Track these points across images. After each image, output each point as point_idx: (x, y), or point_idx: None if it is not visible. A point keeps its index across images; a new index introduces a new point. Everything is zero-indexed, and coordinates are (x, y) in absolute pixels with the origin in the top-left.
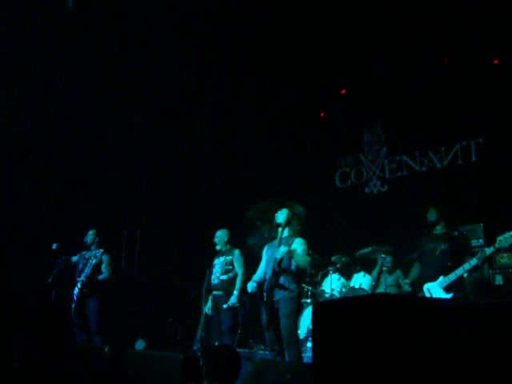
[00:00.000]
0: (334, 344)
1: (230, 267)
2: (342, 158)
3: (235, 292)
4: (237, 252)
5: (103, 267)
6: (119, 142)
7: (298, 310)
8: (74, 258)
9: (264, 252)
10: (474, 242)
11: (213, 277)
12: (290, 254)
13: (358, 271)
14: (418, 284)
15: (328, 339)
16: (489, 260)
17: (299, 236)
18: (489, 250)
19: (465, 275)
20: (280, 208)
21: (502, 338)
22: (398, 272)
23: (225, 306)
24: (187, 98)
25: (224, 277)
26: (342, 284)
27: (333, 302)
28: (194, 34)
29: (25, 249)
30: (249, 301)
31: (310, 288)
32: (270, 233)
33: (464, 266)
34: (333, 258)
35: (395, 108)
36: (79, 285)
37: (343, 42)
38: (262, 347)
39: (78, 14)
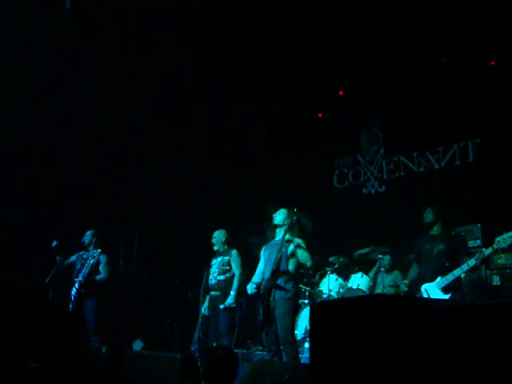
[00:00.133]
0: (332, 344)
1: (228, 267)
2: (339, 158)
3: (232, 292)
4: (234, 252)
5: (101, 267)
6: (119, 142)
7: (295, 311)
8: (72, 258)
9: (262, 252)
10: (472, 243)
11: (210, 277)
12: (294, 247)
13: (356, 272)
14: (415, 284)
15: (325, 340)
16: (487, 261)
17: (297, 237)
18: (487, 251)
19: (462, 276)
20: (278, 209)
21: (500, 339)
22: (396, 272)
23: (221, 306)
24: (187, 98)
25: (221, 277)
26: (340, 284)
27: (330, 303)
28: (193, 33)
29: (24, 249)
30: (245, 301)
31: (308, 288)
32: (270, 234)
33: (462, 266)
34: (330, 259)
35: (393, 109)
36: (77, 285)
37: (341, 43)
38: (260, 348)
39: (78, 13)
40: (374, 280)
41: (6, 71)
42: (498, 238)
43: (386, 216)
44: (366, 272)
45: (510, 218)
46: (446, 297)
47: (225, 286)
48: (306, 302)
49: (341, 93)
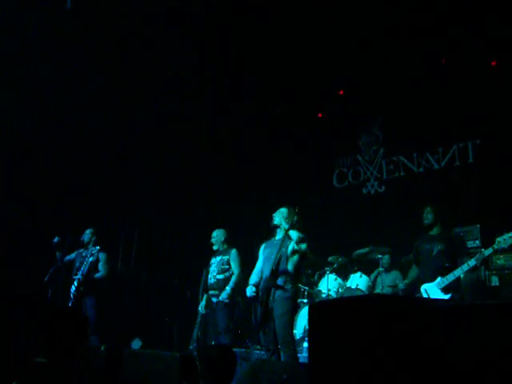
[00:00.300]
0: (330, 344)
1: (227, 267)
2: (339, 158)
3: (227, 288)
4: (233, 252)
5: (100, 265)
6: (119, 141)
7: (294, 310)
8: (71, 256)
9: (261, 251)
10: (471, 243)
11: (209, 276)
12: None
13: (355, 271)
14: (415, 285)
15: (324, 339)
16: (486, 261)
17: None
18: (487, 251)
19: (461, 276)
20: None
21: (499, 339)
22: (396, 272)
23: (214, 299)
24: (187, 98)
25: (220, 276)
26: (339, 284)
27: (329, 302)
28: (194, 33)
29: (24, 248)
30: (243, 300)
31: (307, 288)
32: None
33: (462, 266)
34: (330, 259)
35: (393, 109)
36: (76, 283)
37: (341, 43)
38: (259, 347)
39: (78, 13)
40: (374, 280)
41: (6, 71)
42: (498, 239)
43: (386, 216)
44: (365, 272)
45: (509, 219)
46: (446, 297)
47: (224, 286)
48: (305, 301)
49: (341, 93)
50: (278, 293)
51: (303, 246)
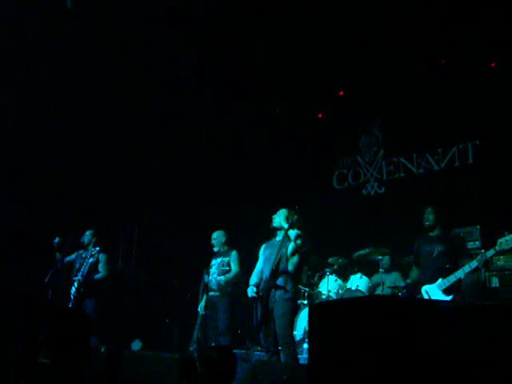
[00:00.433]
0: (331, 345)
1: (227, 268)
2: (339, 159)
3: (223, 277)
4: (234, 253)
5: (100, 266)
6: (119, 142)
7: (294, 311)
8: (71, 257)
9: (261, 252)
10: (471, 244)
11: (210, 277)
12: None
13: (355, 273)
14: (415, 286)
15: (324, 340)
16: (487, 262)
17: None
18: (489, 253)
19: (462, 277)
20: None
21: (499, 340)
22: (396, 273)
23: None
24: (187, 98)
25: (221, 277)
26: (339, 285)
27: (329, 303)
28: (194, 33)
29: (24, 249)
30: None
31: (307, 289)
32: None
33: (464, 268)
34: (330, 260)
35: (393, 110)
36: (76, 284)
37: (341, 44)
38: (259, 348)
39: (78, 13)
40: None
41: (6, 71)
42: (500, 240)
43: (386, 217)
44: (366, 273)
45: (509, 219)
46: (448, 298)
47: (224, 287)
48: (305, 302)
49: (341, 93)
50: (278, 293)
51: (298, 242)
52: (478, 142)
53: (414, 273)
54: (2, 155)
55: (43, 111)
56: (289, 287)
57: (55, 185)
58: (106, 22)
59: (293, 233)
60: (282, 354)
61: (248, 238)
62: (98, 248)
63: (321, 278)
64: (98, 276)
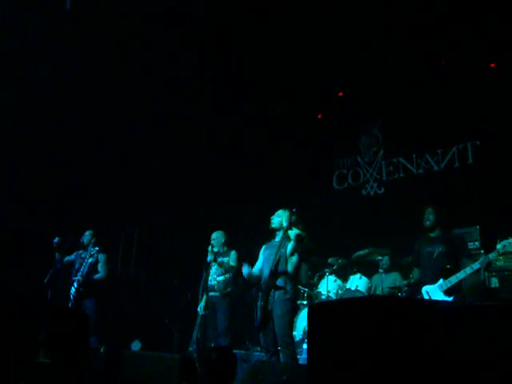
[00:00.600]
0: (330, 345)
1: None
2: (339, 159)
3: (222, 277)
4: (233, 253)
5: (99, 266)
6: (119, 142)
7: (293, 311)
8: (70, 258)
9: (261, 252)
10: (470, 245)
11: (210, 278)
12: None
13: (355, 273)
14: (416, 286)
15: (324, 340)
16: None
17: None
18: (492, 255)
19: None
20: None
21: (499, 340)
22: (395, 274)
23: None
24: (187, 98)
25: (220, 278)
26: (339, 286)
27: (329, 304)
28: (194, 33)
29: (24, 249)
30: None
31: (307, 290)
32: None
33: (466, 269)
34: (329, 260)
35: (393, 110)
36: (76, 284)
37: (341, 44)
38: (259, 348)
39: (78, 14)
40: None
41: (6, 71)
42: (503, 242)
43: (385, 217)
44: (365, 273)
45: (509, 220)
46: (450, 299)
47: (224, 287)
48: (305, 303)
49: (340, 94)
50: (278, 294)
51: (297, 241)
52: (477, 143)
53: (416, 273)
54: (2, 155)
55: (43, 111)
56: (288, 287)
57: (55, 185)
58: (105, 22)
59: (292, 233)
60: (281, 355)
61: (248, 238)
62: (97, 248)
63: (320, 278)
64: (97, 276)
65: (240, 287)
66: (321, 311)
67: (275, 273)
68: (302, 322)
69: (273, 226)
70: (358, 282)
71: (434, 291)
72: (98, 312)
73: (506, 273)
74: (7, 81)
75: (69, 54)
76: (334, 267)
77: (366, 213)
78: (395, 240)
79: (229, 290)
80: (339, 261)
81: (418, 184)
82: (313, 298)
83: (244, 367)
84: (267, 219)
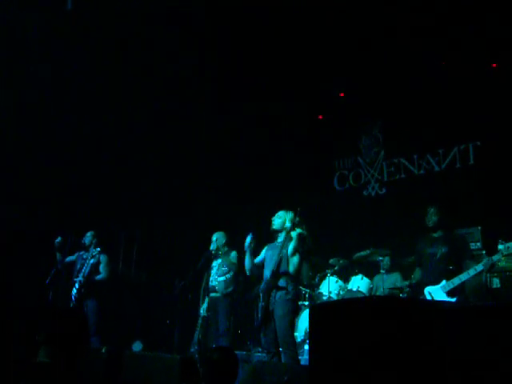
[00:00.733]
0: (331, 346)
1: (227, 269)
2: (340, 160)
3: (223, 278)
4: (233, 253)
5: (101, 267)
6: (119, 142)
7: (294, 312)
8: (72, 258)
9: (264, 251)
10: (472, 246)
11: (211, 278)
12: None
13: (356, 274)
14: (418, 287)
15: (325, 341)
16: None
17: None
18: (496, 257)
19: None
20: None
21: (500, 340)
22: (396, 274)
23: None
24: (187, 98)
25: (221, 278)
26: (340, 286)
27: (330, 304)
28: (194, 33)
29: (24, 249)
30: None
31: (308, 290)
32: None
33: (469, 271)
34: (331, 261)
35: (393, 111)
36: (77, 285)
37: (342, 45)
38: (260, 349)
39: (78, 13)
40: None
41: (6, 71)
42: (507, 244)
43: (386, 218)
44: (367, 274)
45: (510, 221)
46: (453, 300)
47: (224, 288)
48: (306, 303)
49: (341, 95)
50: (279, 294)
51: (299, 240)
52: (478, 143)
53: (418, 273)
54: (2, 155)
55: (43, 111)
56: (290, 288)
57: (55, 185)
58: (105, 22)
59: (295, 233)
60: (283, 355)
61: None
62: (98, 249)
63: (322, 279)
64: (99, 277)
65: (241, 287)
66: (322, 312)
67: (277, 273)
68: (303, 322)
69: (274, 227)
70: (359, 283)
71: (436, 292)
72: (99, 313)
73: (507, 273)
74: (7, 81)
75: (69, 54)
76: (336, 268)
77: (367, 213)
78: (396, 240)
79: (230, 290)
80: (340, 261)
81: (419, 185)
82: (314, 298)
83: (245, 368)
84: (268, 219)
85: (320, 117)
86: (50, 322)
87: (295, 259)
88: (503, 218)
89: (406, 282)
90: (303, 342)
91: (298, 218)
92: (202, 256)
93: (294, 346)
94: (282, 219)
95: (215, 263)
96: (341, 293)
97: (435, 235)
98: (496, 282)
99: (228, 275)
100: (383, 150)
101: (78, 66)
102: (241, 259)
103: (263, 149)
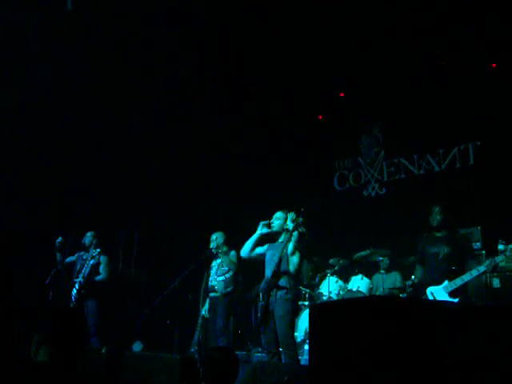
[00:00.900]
0: (331, 346)
1: (227, 269)
2: (340, 160)
3: (223, 277)
4: (233, 253)
5: (101, 268)
6: (119, 142)
7: (294, 312)
8: (72, 259)
9: (265, 248)
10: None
11: (210, 278)
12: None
13: (356, 274)
14: (420, 287)
15: (325, 341)
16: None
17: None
18: (499, 258)
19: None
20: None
21: (501, 340)
22: (395, 273)
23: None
24: (187, 98)
25: (221, 278)
26: (340, 286)
27: (330, 304)
28: (194, 33)
29: (24, 249)
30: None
31: (308, 290)
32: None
33: (472, 272)
34: (331, 261)
35: (393, 111)
36: (77, 286)
37: (342, 45)
38: (260, 349)
39: (78, 13)
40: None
41: (6, 71)
42: (511, 246)
43: (387, 218)
44: (367, 274)
45: (510, 220)
46: (455, 301)
47: (224, 287)
48: (306, 303)
49: (341, 95)
50: (280, 293)
51: (297, 235)
52: (478, 143)
53: (419, 272)
54: (2, 155)
55: (43, 111)
56: (290, 288)
57: (55, 185)
58: (106, 22)
59: (296, 233)
60: (283, 356)
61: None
62: (98, 249)
63: (322, 279)
64: (99, 278)
65: (241, 286)
66: (322, 312)
67: (278, 273)
68: (303, 323)
69: (274, 229)
70: (359, 283)
71: (438, 292)
72: (99, 313)
73: (507, 273)
74: (7, 81)
75: (69, 54)
76: (336, 268)
77: (367, 214)
78: (396, 240)
79: (229, 289)
80: (340, 261)
81: (419, 184)
82: (314, 298)
83: (245, 368)
84: (267, 220)
85: (320, 117)
86: (50, 323)
87: (295, 258)
88: (503, 218)
89: (409, 282)
90: (303, 341)
91: (301, 219)
92: (202, 254)
93: (294, 346)
94: (281, 220)
95: (215, 263)
96: (341, 293)
97: (439, 235)
98: (496, 282)
99: (227, 275)
100: (383, 150)
101: (78, 66)
102: (240, 258)
103: (263, 149)
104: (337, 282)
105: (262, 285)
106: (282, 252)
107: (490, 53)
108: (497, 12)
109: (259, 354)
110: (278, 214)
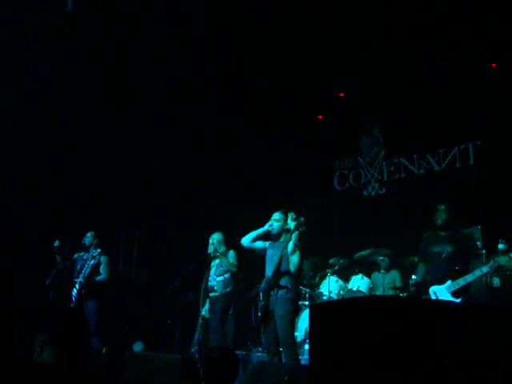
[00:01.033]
0: (332, 346)
1: (226, 269)
2: (340, 160)
3: (222, 277)
4: (231, 253)
5: (101, 268)
6: (119, 141)
7: (295, 312)
8: (72, 259)
9: (267, 246)
10: None
11: (210, 278)
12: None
13: (356, 273)
14: (423, 286)
15: (325, 341)
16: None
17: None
18: (502, 260)
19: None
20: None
21: (501, 339)
22: (395, 272)
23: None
24: (187, 98)
25: (220, 278)
26: (340, 286)
27: (330, 304)
28: (194, 33)
29: (24, 249)
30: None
31: (308, 290)
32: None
33: (475, 272)
34: (331, 261)
35: (393, 111)
36: (77, 286)
37: (342, 45)
38: (260, 349)
39: (78, 14)
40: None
41: (6, 71)
42: None
43: (387, 218)
44: (367, 274)
45: (510, 220)
46: (458, 301)
47: (223, 287)
48: (307, 303)
49: (341, 95)
50: (280, 293)
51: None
52: (478, 143)
53: (422, 270)
54: (2, 155)
55: (43, 111)
56: (290, 287)
57: (55, 185)
58: (105, 22)
59: (296, 232)
60: (283, 355)
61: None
62: (99, 250)
63: (322, 278)
64: (99, 278)
65: (240, 285)
66: (322, 312)
67: (278, 272)
68: (303, 322)
69: (274, 231)
70: (359, 283)
71: (441, 292)
72: (99, 313)
73: (507, 273)
74: (7, 81)
75: (69, 54)
76: (336, 268)
77: (367, 213)
78: (396, 240)
79: (228, 289)
80: (341, 261)
81: (419, 184)
82: (314, 298)
83: (245, 368)
84: (267, 219)
85: (320, 117)
86: (51, 323)
87: (295, 258)
88: (503, 218)
89: (412, 281)
90: (303, 341)
91: (302, 218)
92: (202, 254)
93: (295, 346)
94: (280, 222)
95: (214, 263)
96: (341, 292)
97: (443, 234)
98: (496, 282)
99: (226, 275)
100: (383, 150)
101: (78, 66)
102: (239, 258)
103: (263, 149)
104: (337, 281)
105: (263, 284)
106: (283, 251)
107: (490, 53)
108: (497, 12)
109: (259, 354)
110: (277, 216)
